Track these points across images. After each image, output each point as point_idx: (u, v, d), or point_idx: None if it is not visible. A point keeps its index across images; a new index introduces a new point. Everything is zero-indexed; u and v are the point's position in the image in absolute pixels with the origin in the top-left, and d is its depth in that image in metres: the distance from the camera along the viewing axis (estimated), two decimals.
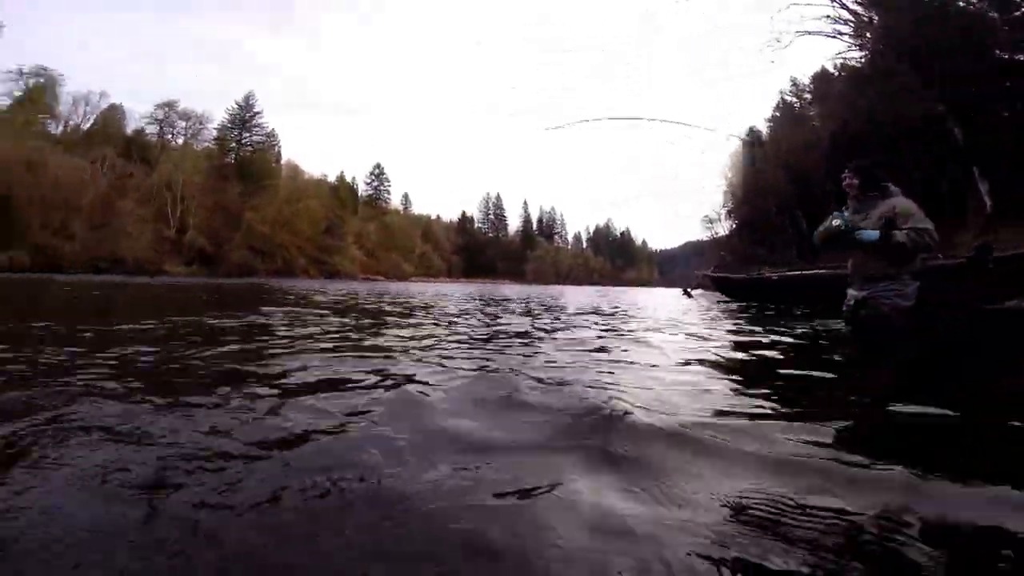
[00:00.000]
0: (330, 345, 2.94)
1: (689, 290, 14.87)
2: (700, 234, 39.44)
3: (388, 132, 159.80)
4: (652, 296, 16.68)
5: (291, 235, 56.02)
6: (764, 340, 3.68)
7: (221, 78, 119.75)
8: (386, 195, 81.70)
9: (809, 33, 19.67)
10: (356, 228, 67.21)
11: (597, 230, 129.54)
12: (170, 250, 44.86)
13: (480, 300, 10.01)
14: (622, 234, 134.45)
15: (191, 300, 8.15)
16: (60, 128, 49.59)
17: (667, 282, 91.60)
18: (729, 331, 4.51)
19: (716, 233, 36.33)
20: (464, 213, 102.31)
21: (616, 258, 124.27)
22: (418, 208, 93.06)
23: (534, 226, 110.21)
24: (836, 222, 3.14)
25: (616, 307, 8.50)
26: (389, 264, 69.77)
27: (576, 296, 13.80)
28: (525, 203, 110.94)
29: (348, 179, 75.14)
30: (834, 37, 19.85)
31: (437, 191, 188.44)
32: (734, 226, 32.40)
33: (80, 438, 1.21)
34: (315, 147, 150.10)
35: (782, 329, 4.37)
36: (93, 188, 41.36)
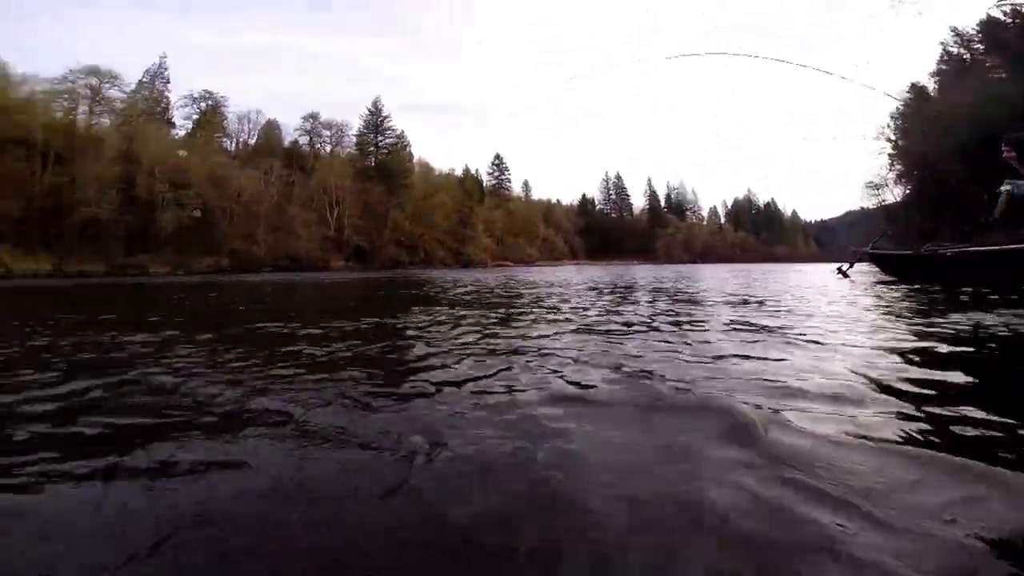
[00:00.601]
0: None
1: (845, 269, 12.59)
2: (863, 202, 33.35)
3: (503, 123, 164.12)
4: (803, 276, 14.26)
5: (429, 228, 60.78)
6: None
7: (341, 88, 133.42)
8: (507, 183, 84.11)
9: None
10: (484, 217, 70.45)
11: (736, 202, 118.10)
12: (331, 248, 51.53)
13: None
14: (766, 205, 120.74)
15: (403, 296, 8.19)
16: (232, 145, 58.50)
17: (825, 256, 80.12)
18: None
19: (883, 200, 30.61)
20: (584, 195, 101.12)
21: (761, 231, 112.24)
22: (537, 194, 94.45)
23: (661, 203, 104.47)
24: (1004, 187, 2.98)
25: (745, 297, 7.21)
26: (515, 250, 72.01)
27: (706, 280, 12.39)
28: (649, 180, 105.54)
29: (472, 171, 78.92)
30: None
31: (555, 176, 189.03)
32: (907, 191, 27.10)
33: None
34: (438, 145, 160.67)
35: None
36: (267, 196, 48.81)
